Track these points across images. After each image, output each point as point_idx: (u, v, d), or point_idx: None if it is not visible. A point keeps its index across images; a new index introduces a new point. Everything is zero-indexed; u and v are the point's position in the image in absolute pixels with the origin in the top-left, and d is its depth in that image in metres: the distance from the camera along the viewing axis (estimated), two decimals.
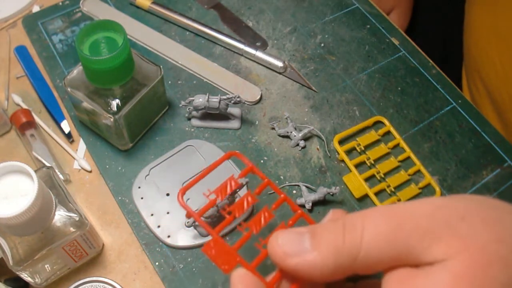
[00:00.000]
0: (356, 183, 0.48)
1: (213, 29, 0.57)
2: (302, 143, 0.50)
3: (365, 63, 0.57)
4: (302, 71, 0.56)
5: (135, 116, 0.46)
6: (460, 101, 0.55)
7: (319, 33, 0.59)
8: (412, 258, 0.23)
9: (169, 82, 0.54)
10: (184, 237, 0.44)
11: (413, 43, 0.59)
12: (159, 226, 0.45)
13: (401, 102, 0.54)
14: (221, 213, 0.35)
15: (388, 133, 0.52)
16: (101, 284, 0.42)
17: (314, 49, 0.58)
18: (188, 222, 0.44)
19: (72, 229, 0.38)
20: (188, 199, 0.45)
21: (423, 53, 0.58)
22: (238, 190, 0.43)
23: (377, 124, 0.53)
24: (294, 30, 0.59)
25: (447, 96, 0.55)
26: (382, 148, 0.51)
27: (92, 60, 0.41)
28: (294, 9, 0.61)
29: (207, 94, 0.49)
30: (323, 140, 0.51)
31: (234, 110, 0.52)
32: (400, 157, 0.50)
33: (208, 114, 0.51)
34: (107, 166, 0.48)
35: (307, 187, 0.48)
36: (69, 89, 0.45)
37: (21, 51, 0.55)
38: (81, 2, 0.59)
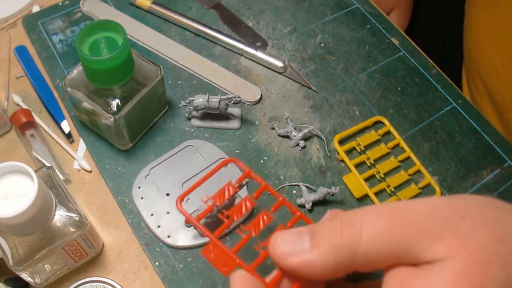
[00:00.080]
0: (356, 183, 0.48)
1: (213, 29, 0.57)
2: (302, 143, 0.50)
3: (365, 63, 0.57)
4: (302, 71, 0.56)
5: (135, 116, 0.46)
6: (460, 101, 0.55)
7: (319, 33, 0.59)
8: (411, 256, 0.23)
9: (169, 82, 0.54)
10: (184, 237, 0.44)
11: (413, 43, 0.59)
12: (159, 226, 0.45)
13: (401, 102, 0.54)
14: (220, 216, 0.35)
15: (388, 133, 0.52)
16: (101, 284, 0.42)
17: (314, 49, 0.58)
18: (188, 223, 0.44)
19: (72, 229, 0.38)
20: (188, 199, 0.45)
21: (423, 53, 0.58)
22: (238, 190, 0.43)
23: (377, 124, 0.53)
24: (294, 30, 0.59)
25: (447, 96, 0.55)
26: (382, 148, 0.51)
27: (92, 60, 0.41)
28: (294, 9, 0.61)
29: (207, 94, 0.49)
30: (323, 140, 0.51)
31: (234, 110, 0.52)
32: (400, 157, 0.50)
33: (208, 114, 0.51)
34: (107, 166, 0.48)
35: (307, 187, 0.48)
36: (69, 89, 0.45)
37: (21, 51, 0.55)
38: (81, 2, 0.59)
